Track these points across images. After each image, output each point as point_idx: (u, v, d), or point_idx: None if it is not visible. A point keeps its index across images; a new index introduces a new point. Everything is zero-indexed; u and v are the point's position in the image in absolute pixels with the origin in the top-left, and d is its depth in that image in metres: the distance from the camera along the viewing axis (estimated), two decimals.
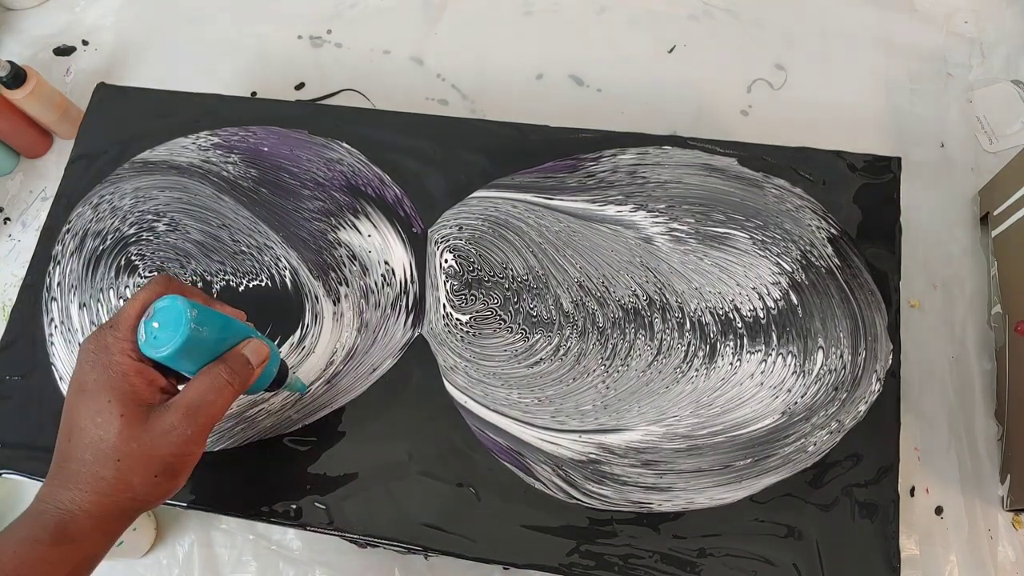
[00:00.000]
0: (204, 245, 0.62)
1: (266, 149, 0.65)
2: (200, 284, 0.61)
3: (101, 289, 0.61)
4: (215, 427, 0.56)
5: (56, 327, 0.61)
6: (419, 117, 0.65)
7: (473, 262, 0.59)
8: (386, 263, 0.60)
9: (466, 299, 0.58)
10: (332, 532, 0.53)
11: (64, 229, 0.64)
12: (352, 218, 0.62)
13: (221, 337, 0.44)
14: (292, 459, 0.55)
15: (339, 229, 0.61)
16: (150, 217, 0.63)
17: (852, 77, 0.78)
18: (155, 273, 0.61)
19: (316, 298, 0.59)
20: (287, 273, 0.60)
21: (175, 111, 0.68)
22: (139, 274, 0.62)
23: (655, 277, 0.57)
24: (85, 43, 0.90)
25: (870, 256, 0.56)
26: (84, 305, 0.61)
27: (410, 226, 0.61)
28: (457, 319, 0.58)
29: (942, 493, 0.63)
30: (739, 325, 0.55)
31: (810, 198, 0.58)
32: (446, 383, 0.56)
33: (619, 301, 0.57)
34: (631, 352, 0.55)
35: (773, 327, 0.55)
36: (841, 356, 0.54)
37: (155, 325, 0.42)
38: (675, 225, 0.58)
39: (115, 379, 0.42)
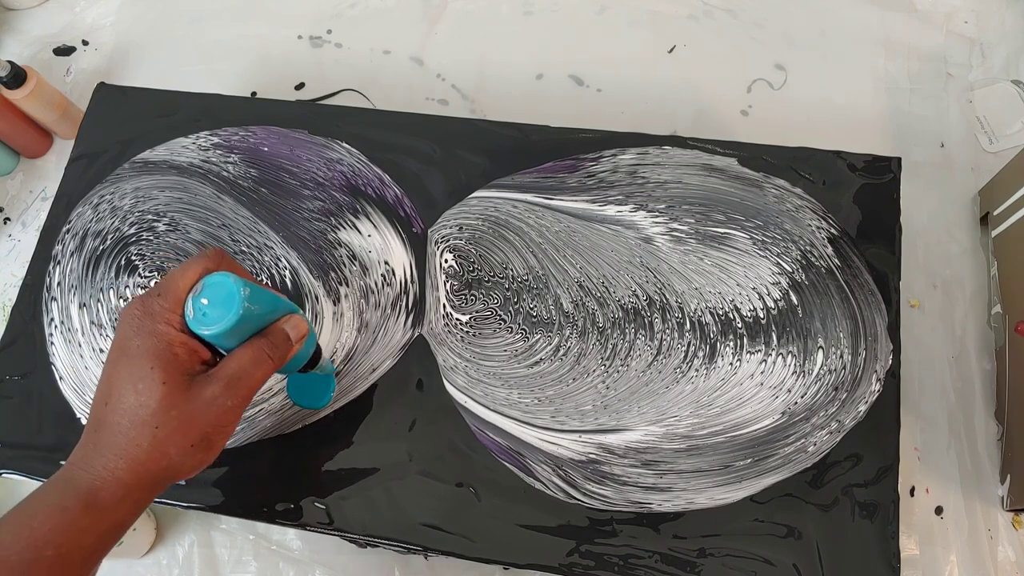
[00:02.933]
0: (204, 245, 0.62)
1: (266, 149, 0.65)
2: None
3: (101, 289, 0.61)
4: None
5: (56, 327, 0.61)
6: (419, 117, 0.65)
7: (473, 262, 0.59)
8: (386, 263, 0.60)
9: (466, 299, 0.58)
10: (332, 532, 0.53)
11: (64, 229, 0.64)
12: (352, 218, 0.62)
13: (266, 315, 0.44)
14: (292, 459, 0.55)
15: (339, 229, 0.61)
16: (150, 217, 0.63)
17: (852, 77, 0.78)
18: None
19: (316, 298, 0.59)
20: (287, 273, 0.60)
21: (175, 111, 0.68)
22: (139, 274, 0.62)
23: (655, 277, 0.57)
24: (85, 43, 0.90)
25: (870, 256, 0.56)
26: (84, 305, 0.61)
27: (410, 226, 0.61)
28: (457, 319, 0.58)
29: (942, 493, 0.63)
30: (739, 325, 0.55)
31: (810, 198, 0.58)
32: (446, 383, 0.56)
33: (619, 301, 0.57)
34: (631, 352, 0.55)
35: (773, 327, 0.55)
36: (841, 356, 0.54)
37: (204, 302, 0.41)
38: (675, 225, 0.58)
39: (160, 347, 0.41)
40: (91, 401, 0.46)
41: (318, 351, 0.50)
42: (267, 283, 0.59)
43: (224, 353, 0.44)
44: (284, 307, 0.46)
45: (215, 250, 0.45)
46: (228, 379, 0.42)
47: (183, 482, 0.55)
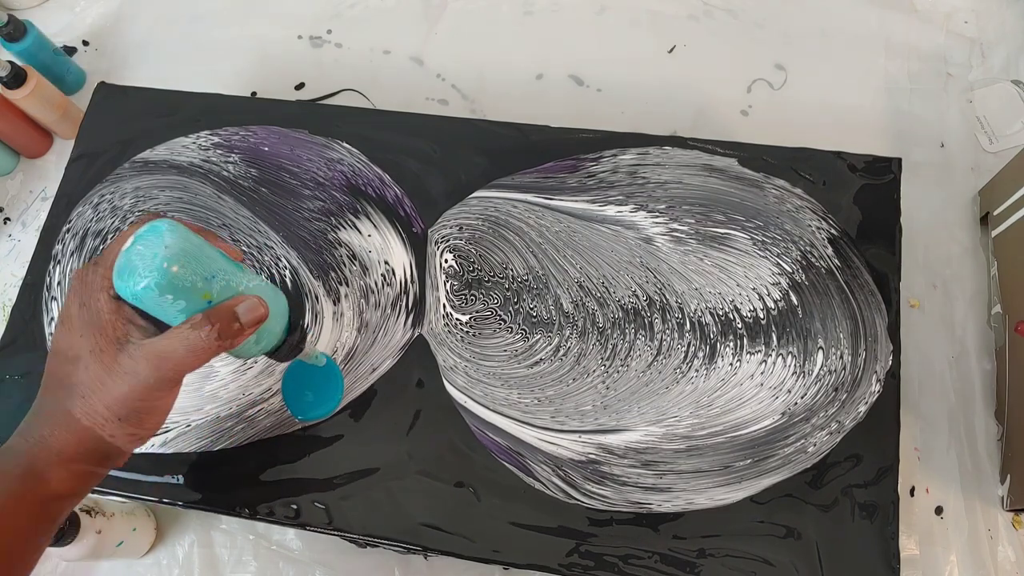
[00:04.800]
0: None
1: (266, 149, 0.65)
2: None
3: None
4: (218, 426, 0.56)
5: (56, 327, 0.61)
6: (419, 117, 0.65)
7: (473, 262, 0.59)
8: (386, 263, 0.60)
9: (466, 299, 0.58)
10: (332, 532, 0.53)
11: (64, 229, 0.64)
12: (352, 218, 0.62)
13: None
14: (292, 459, 0.55)
15: (339, 229, 0.61)
16: None
17: (852, 77, 0.78)
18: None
19: (316, 298, 0.59)
20: (287, 273, 0.60)
21: (175, 111, 0.68)
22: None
23: (655, 277, 0.57)
24: (85, 43, 0.90)
25: (870, 256, 0.56)
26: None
27: (410, 226, 0.61)
28: (457, 319, 0.58)
29: (942, 493, 0.63)
30: (739, 326, 0.55)
31: (810, 198, 0.58)
32: (446, 383, 0.56)
33: (619, 301, 0.57)
34: (631, 352, 0.55)
35: (773, 328, 0.55)
36: (841, 357, 0.54)
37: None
38: (675, 225, 0.58)
39: (92, 315, 0.41)
40: None
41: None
42: (262, 273, 0.58)
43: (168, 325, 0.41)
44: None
45: (154, 215, 0.43)
46: (153, 356, 0.40)
47: (177, 478, 0.55)
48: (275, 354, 0.47)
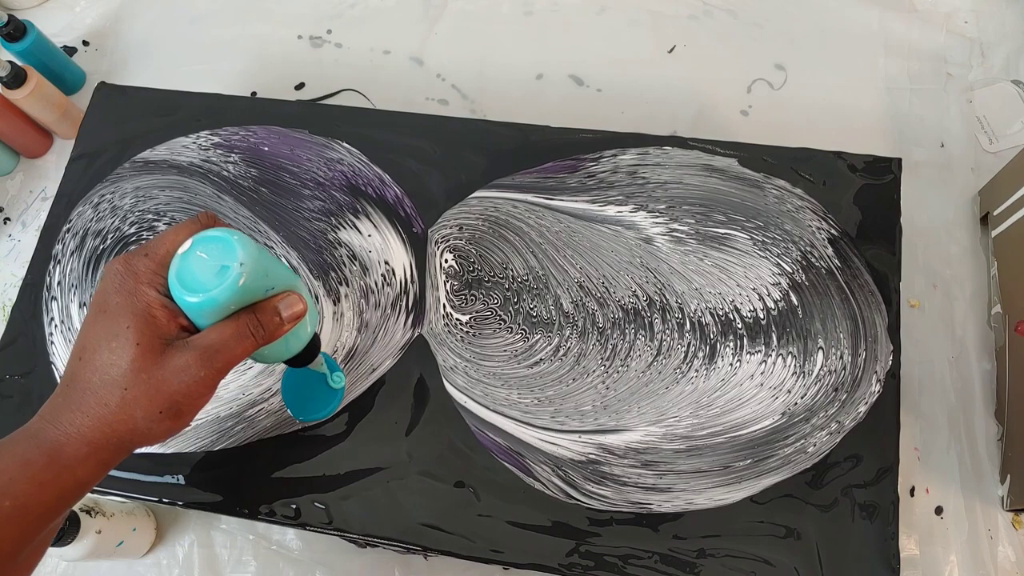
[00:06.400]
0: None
1: (266, 149, 0.65)
2: None
3: None
4: (218, 426, 0.56)
5: (56, 326, 0.61)
6: (419, 117, 0.65)
7: (473, 262, 0.59)
8: (386, 263, 0.60)
9: (466, 299, 0.58)
10: (332, 532, 0.53)
11: (64, 228, 0.64)
12: (352, 218, 0.62)
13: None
14: (292, 459, 0.55)
15: (339, 229, 0.61)
16: (150, 216, 0.63)
17: (852, 77, 0.78)
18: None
19: (316, 298, 0.59)
20: None
21: (175, 111, 0.67)
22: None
23: (655, 278, 0.57)
24: (85, 43, 0.90)
25: (870, 257, 0.56)
26: (84, 304, 0.61)
27: (410, 226, 0.61)
28: (457, 319, 0.58)
29: (942, 493, 0.63)
30: (739, 326, 0.55)
31: (810, 199, 0.58)
32: (446, 383, 0.56)
33: (619, 301, 0.57)
34: (631, 353, 0.55)
35: (773, 328, 0.55)
36: (841, 357, 0.54)
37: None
38: (675, 226, 0.58)
39: (138, 307, 0.40)
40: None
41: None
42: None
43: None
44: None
45: (207, 213, 0.44)
46: (205, 349, 0.41)
47: (178, 478, 0.55)
48: (292, 360, 0.48)
